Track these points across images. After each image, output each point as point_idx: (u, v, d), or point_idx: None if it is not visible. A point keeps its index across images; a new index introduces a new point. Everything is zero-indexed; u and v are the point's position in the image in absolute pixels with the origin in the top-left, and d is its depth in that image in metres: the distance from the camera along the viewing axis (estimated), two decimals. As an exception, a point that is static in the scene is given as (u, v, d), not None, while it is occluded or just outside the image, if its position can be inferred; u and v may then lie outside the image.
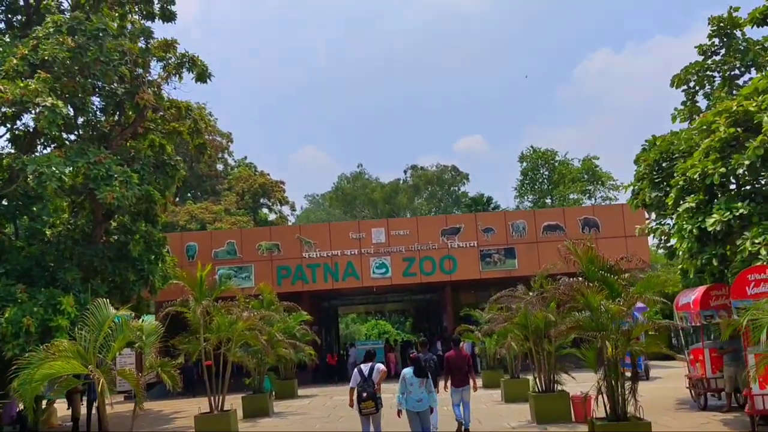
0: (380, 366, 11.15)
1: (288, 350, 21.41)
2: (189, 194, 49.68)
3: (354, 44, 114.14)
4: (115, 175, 17.35)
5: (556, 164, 58.71)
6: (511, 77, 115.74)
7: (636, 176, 19.23)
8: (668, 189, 16.80)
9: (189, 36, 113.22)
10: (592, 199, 56.08)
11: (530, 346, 16.66)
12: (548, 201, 57.59)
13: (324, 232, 31.83)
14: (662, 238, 18.27)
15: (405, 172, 74.93)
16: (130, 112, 19.93)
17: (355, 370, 11.25)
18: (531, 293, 17.16)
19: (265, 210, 51.45)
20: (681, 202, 15.45)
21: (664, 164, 17.66)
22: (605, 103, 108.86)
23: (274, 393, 21.66)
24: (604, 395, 11.00)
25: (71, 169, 17.27)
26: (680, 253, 16.42)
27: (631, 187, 19.57)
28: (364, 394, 10.82)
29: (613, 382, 10.91)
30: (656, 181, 17.84)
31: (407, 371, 10.70)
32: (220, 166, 55.50)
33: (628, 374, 10.83)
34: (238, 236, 32.09)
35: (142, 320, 11.82)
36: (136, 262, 20.31)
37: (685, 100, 20.62)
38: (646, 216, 33.97)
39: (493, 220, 32.17)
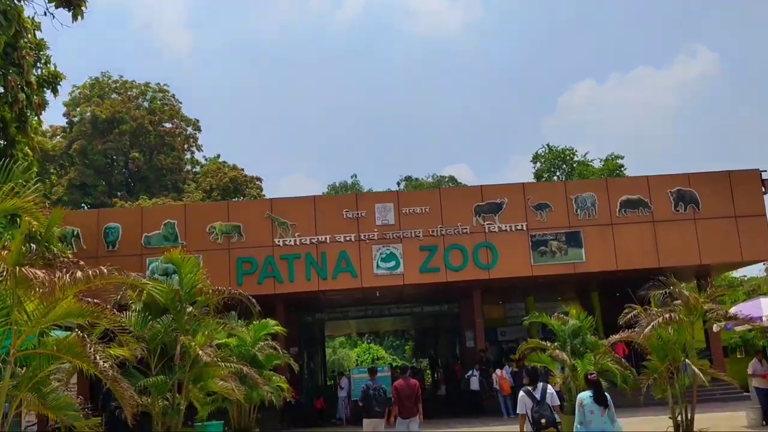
0: (551, 389, 8.65)
1: (229, 385, 10.17)
2: (144, 190, 38.41)
3: (339, 74, 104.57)
4: None
5: (575, 164, 48.21)
6: (496, 107, 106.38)
7: None
8: None
9: (181, 66, 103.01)
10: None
11: None
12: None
13: (307, 208, 20.68)
14: None
15: (398, 183, 64.17)
16: None
17: (521, 392, 8.67)
18: None
19: (238, 211, 40.10)
20: None
21: None
22: (590, 133, 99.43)
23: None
24: None
25: None
26: None
27: None
28: (543, 420, 8.29)
29: None
30: None
31: (585, 396, 8.09)
32: (188, 167, 44.39)
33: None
34: (181, 214, 20.87)
35: None
36: None
37: None
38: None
39: (549, 192, 21.28)
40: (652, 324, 9.03)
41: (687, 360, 9.11)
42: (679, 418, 9.31)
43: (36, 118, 14.32)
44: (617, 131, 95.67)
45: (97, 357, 5.33)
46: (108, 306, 5.81)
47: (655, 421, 15.52)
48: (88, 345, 5.30)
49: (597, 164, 48.11)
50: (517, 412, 8.92)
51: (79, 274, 5.19)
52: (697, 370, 8.86)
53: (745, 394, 19.77)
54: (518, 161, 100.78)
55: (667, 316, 9.04)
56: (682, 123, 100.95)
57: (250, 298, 10.74)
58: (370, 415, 11.71)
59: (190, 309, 9.92)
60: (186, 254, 9.93)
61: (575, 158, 48.76)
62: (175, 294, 9.84)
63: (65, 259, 7.31)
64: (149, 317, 9.50)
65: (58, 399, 5.61)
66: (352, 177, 63.27)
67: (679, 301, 9.72)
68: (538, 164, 49.28)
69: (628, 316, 9.89)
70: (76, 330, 5.53)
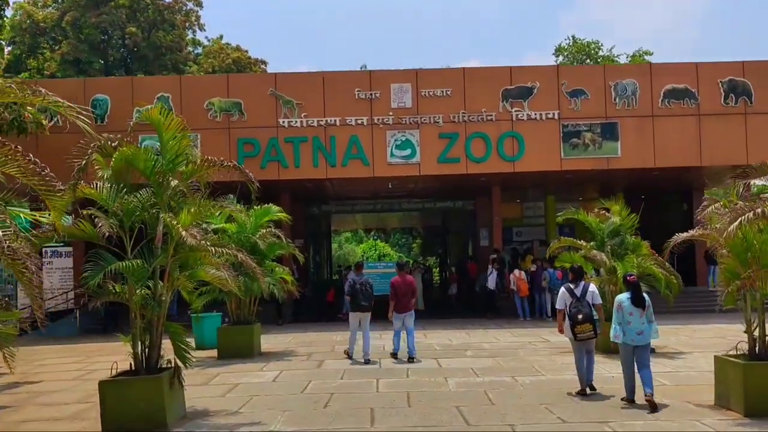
0: (594, 287, 8.83)
1: (222, 274, 8.59)
2: (142, 69, 35.91)
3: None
4: None
5: (599, 60, 45.11)
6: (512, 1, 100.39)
7: None
8: None
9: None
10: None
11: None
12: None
13: (315, 85, 18.54)
14: None
15: (410, 76, 61.07)
16: None
17: (563, 288, 8.86)
18: None
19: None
20: None
21: None
22: (610, 33, 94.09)
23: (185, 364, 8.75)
24: None
25: None
26: None
27: None
28: (580, 316, 8.34)
29: None
30: None
31: (623, 298, 8.06)
32: (189, 48, 41.46)
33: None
34: (176, 87, 18.85)
35: None
36: None
37: None
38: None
39: (586, 77, 19.02)
40: (739, 219, 7.29)
41: (779, 265, 7.44)
42: (755, 333, 7.74)
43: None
44: (641, 32, 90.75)
45: None
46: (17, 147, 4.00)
47: (706, 330, 14.18)
48: None
49: (623, 60, 45.07)
50: (557, 307, 9.04)
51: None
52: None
53: (776, 304, 18.49)
54: (533, 59, 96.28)
55: (759, 210, 7.28)
56: (713, 25, 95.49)
57: (249, 174, 8.94)
58: (356, 309, 11.80)
59: (175, 183, 8.17)
60: (168, 113, 8.02)
61: (600, 53, 45.57)
62: (154, 161, 8.07)
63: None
64: (123, 189, 7.77)
65: None
66: (361, 67, 60.00)
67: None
68: (561, 58, 46.15)
69: (708, 209, 8.10)
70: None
